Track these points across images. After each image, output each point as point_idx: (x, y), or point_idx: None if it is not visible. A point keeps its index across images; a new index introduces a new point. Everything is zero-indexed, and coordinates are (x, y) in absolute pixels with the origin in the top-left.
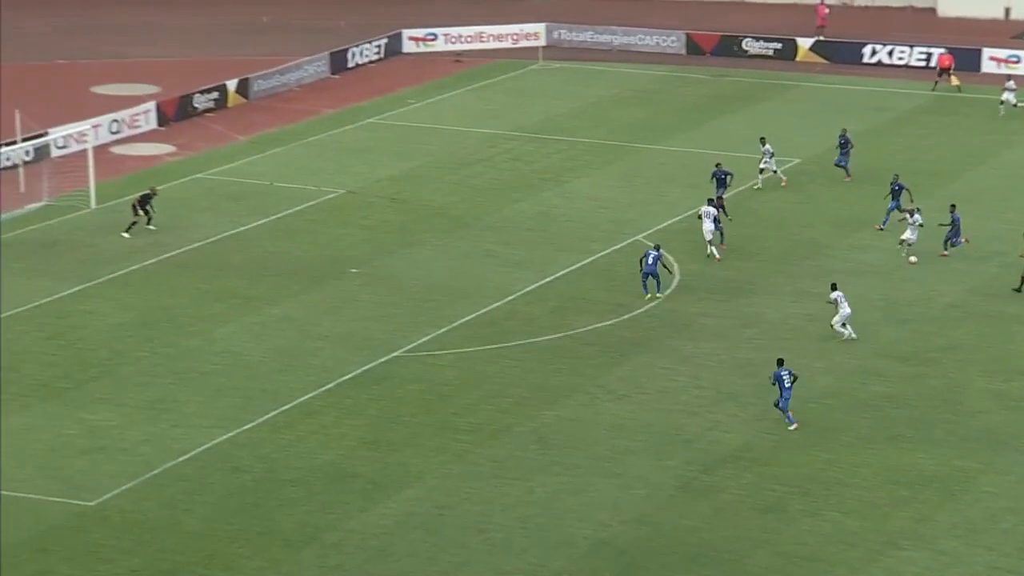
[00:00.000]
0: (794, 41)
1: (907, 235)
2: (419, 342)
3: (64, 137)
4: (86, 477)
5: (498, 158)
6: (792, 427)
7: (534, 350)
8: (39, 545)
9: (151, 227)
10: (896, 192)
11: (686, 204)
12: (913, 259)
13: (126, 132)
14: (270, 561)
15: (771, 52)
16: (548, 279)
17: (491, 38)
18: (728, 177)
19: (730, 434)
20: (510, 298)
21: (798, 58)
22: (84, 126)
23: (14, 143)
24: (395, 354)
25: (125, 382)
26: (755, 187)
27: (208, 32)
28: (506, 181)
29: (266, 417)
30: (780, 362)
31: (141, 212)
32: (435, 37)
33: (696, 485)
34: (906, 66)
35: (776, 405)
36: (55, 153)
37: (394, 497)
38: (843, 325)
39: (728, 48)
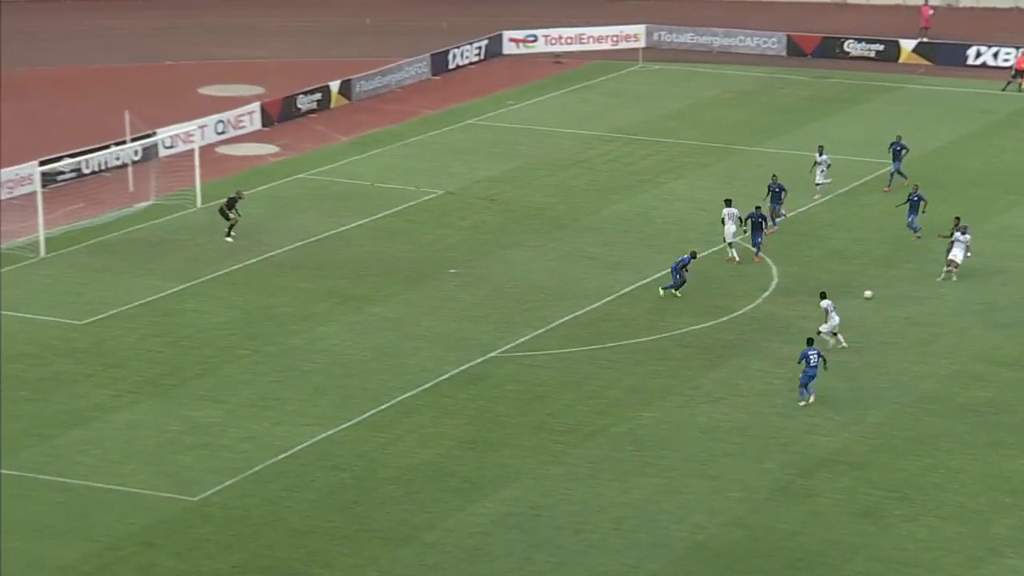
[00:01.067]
0: (897, 43)
1: (954, 254)
2: (516, 342)
3: (171, 137)
4: (190, 473)
5: (596, 159)
6: (802, 403)
7: (631, 351)
8: (145, 539)
9: (228, 238)
10: (914, 203)
11: (786, 206)
12: (868, 293)
13: (231, 132)
14: (369, 559)
15: (873, 54)
16: (645, 280)
17: (591, 39)
18: (783, 192)
19: (827, 438)
20: (607, 299)
21: (901, 60)
22: (191, 126)
23: (123, 143)
24: (492, 354)
25: (228, 380)
26: (815, 198)
27: (312, 34)
28: (604, 183)
29: (365, 416)
30: (809, 342)
31: (230, 215)
32: (535, 38)
33: (793, 489)
34: (1012, 68)
35: (808, 379)
36: (163, 153)
37: (491, 497)
38: (833, 334)
39: (829, 49)
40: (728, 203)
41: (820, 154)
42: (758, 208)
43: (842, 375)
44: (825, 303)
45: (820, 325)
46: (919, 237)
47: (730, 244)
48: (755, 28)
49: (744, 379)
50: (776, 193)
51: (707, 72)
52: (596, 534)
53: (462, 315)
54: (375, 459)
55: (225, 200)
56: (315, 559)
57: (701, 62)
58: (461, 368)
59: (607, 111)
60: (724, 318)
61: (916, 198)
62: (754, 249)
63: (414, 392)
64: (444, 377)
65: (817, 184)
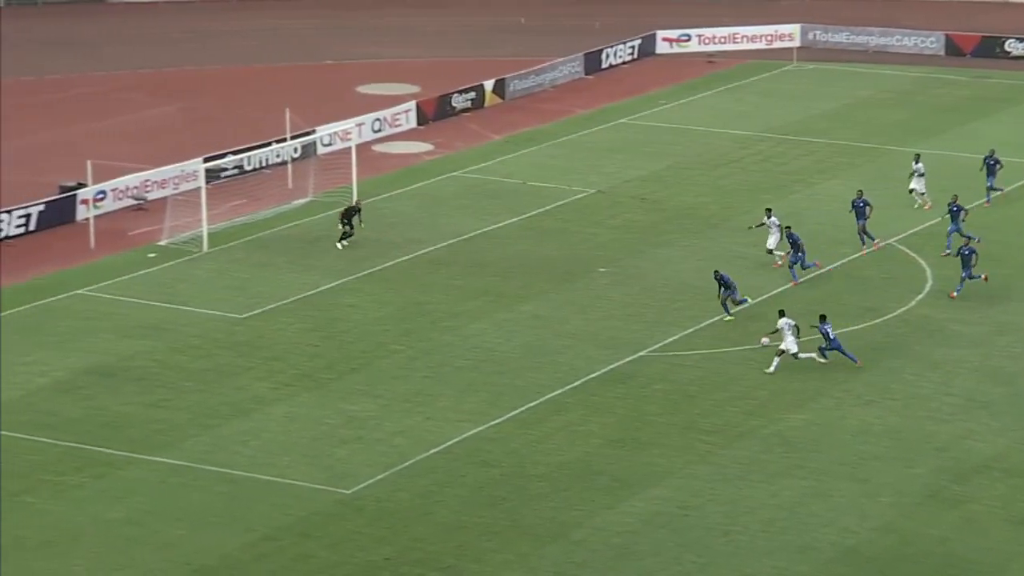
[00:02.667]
0: None
1: None
2: (665, 342)
3: (330, 135)
4: (344, 466)
5: (748, 159)
6: (858, 364)
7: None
8: (301, 530)
9: (344, 243)
10: (955, 213)
11: (940, 208)
12: (765, 340)
13: (387, 131)
14: (517, 555)
15: None
16: (798, 281)
17: (745, 39)
18: (868, 208)
19: (982, 443)
20: (758, 300)
21: None
22: (349, 124)
23: (284, 140)
24: (641, 353)
25: (382, 375)
26: (915, 207)
27: (467, 33)
28: (756, 183)
29: (515, 412)
30: (823, 318)
31: (347, 224)
32: (688, 38)
33: (945, 494)
34: None
35: (839, 350)
36: (321, 151)
37: (639, 496)
38: (795, 355)
39: (989, 49)
40: (769, 212)
41: (916, 161)
42: (788, 228)
43: (999, 380)
44: (782, 321)
45: (785, 344)
46: (947, 253)
47: (771, 252)
48: (912, 27)
49: (896, 382)
50: (860, 209)
51: (863, 72)
52: (744, 535)
53: (612, 314)
54: (525, 456)
55: (343, 209)
56: (465, 554)
57: (857, 62)
58: (610, 367)
59: (760, 111)
60: (876, 320)
61: (956, 208)
62: (795, 271)
63: (563, 390)
64: (593, 375)
65: (911, 191)
